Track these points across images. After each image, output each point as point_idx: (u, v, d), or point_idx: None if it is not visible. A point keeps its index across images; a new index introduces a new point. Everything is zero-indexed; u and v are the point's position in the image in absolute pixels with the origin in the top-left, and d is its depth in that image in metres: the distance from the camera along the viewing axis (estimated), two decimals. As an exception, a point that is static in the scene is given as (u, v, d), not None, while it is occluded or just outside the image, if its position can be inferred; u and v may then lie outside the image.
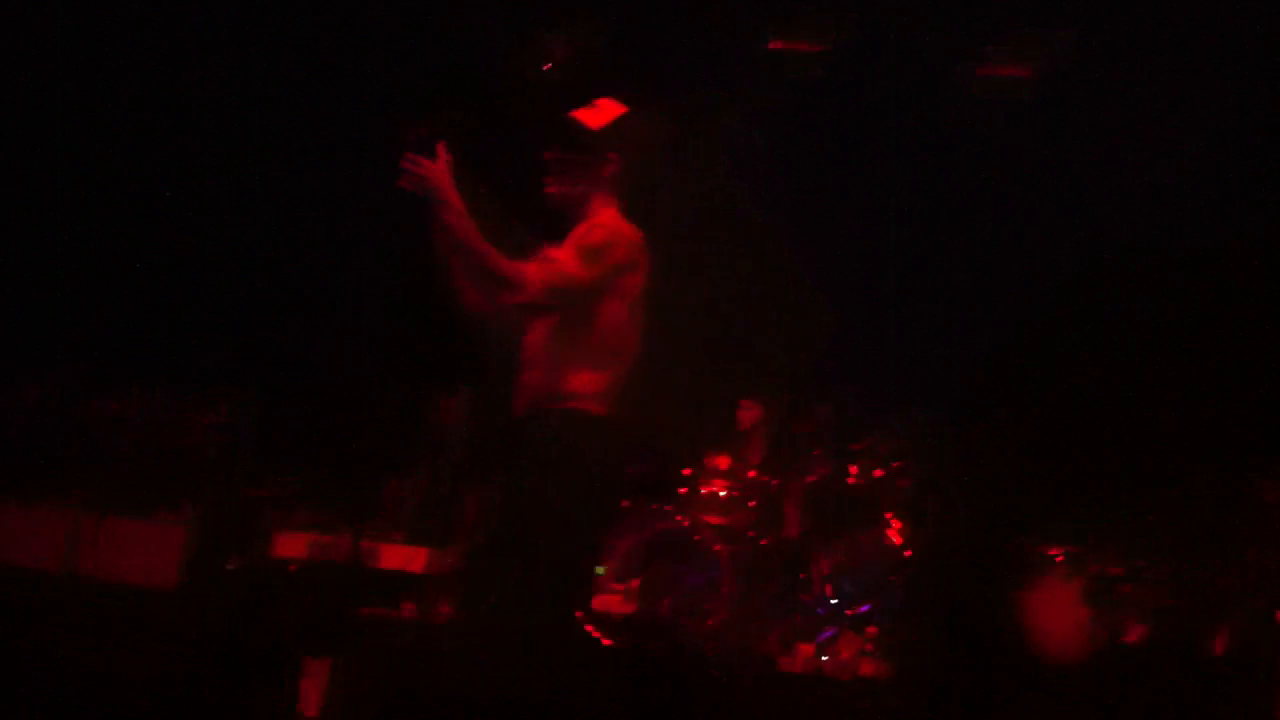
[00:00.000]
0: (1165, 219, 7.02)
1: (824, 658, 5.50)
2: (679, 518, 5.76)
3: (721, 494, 5.87)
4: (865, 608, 5.68)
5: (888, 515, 5.93)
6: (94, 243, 7.19)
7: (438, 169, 3.45)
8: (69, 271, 7.19)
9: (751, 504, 5.88)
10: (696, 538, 5.62)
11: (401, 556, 5.81)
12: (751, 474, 5.96)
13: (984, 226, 7.44)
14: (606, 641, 5.29)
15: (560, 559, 3.46)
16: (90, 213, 7.20)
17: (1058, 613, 5.93)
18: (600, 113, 3.63)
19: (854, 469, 6.01)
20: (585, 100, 3.65)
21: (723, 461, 5.93)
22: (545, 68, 6.67)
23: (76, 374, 6.54)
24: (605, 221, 3.62)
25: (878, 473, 5.97)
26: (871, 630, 5.62)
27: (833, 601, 5.68)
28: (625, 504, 5.60)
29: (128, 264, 7.25)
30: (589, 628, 5.25)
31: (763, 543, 5.79)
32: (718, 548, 5.61)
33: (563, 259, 3.51)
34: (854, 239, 7.52)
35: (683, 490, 5.97)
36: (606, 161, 3.64)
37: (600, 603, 5.42)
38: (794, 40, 7.22)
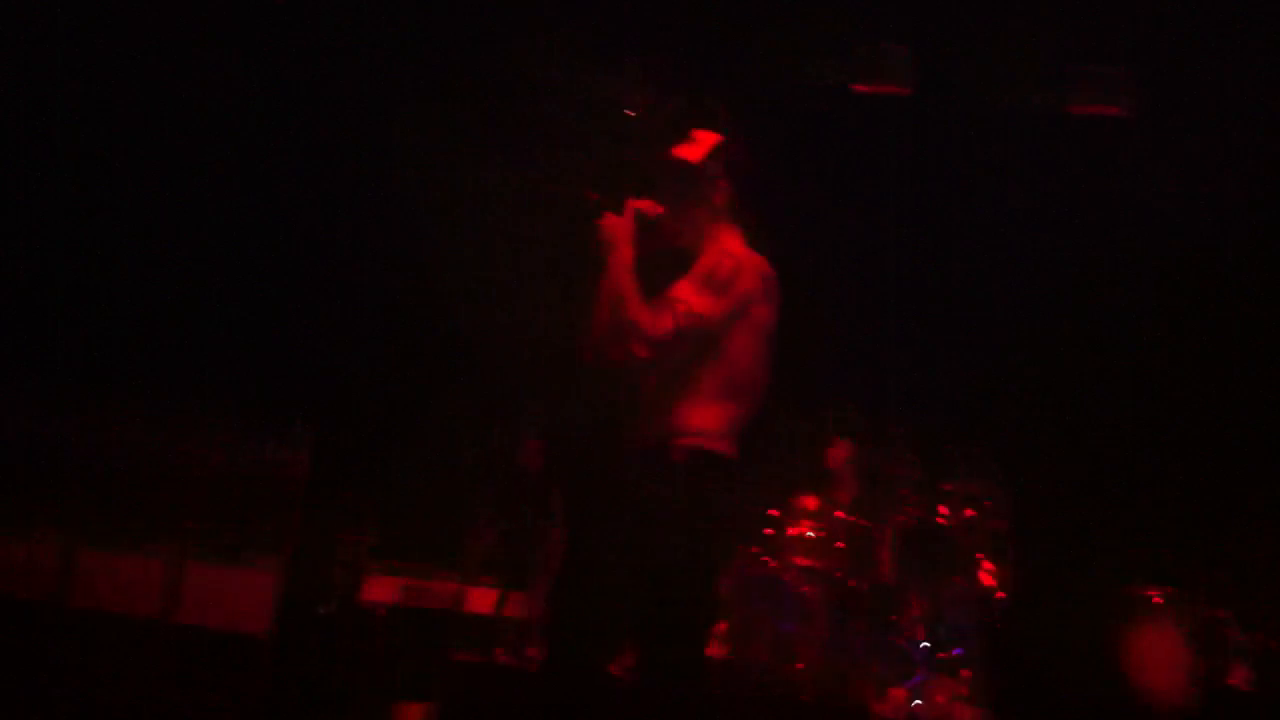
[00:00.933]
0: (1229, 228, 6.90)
1: (918, 702, 5.41)
2: (767, 559, 5.71)
3: (810, 535, 5.80)
4: (959, 651, 5.58)
5: (980, 556, 5.83)
6: (148, 280, 7.22)
7: (620, 224, 3.47)
8: (126, 310, 7.23)
9: (840, 545, 5.81)
10: (786, 579, 5.57)
11: (492, 600, 5.81)
12: (840, 515, 5.90)
13: (1073, 249, 7.34)
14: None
15: (686, 602, 3.37)
16: (154, 250, 7.25)
17: (1159, 656, 5.78)
18: (698, 144, 3.61)
19: (944, 509, 5.92)
20: (679, 137, 3.64)
21: (811, 502, 5.87)
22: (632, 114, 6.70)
23: (144, 416, 6.60)
24: (732, 250, 3.54)
25: (969, 513, 5.88)
26: (966, 674, 5.51)
27: (925, 645, 5.59)
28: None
29: (189, 299, 7.29)
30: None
31: (853, 585, 5.72)
32: (808, 590, 5.55)
33: (688, 297, 3.44)
34: (932, 270, 7.45)
35: (770, 531, 5.92)
36: (717, 190, 3.59)
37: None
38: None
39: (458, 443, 6.91)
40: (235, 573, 6.16)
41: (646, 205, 3.55)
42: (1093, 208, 7.30)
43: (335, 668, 5.82)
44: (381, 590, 6.01)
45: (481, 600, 5.87)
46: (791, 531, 5.79)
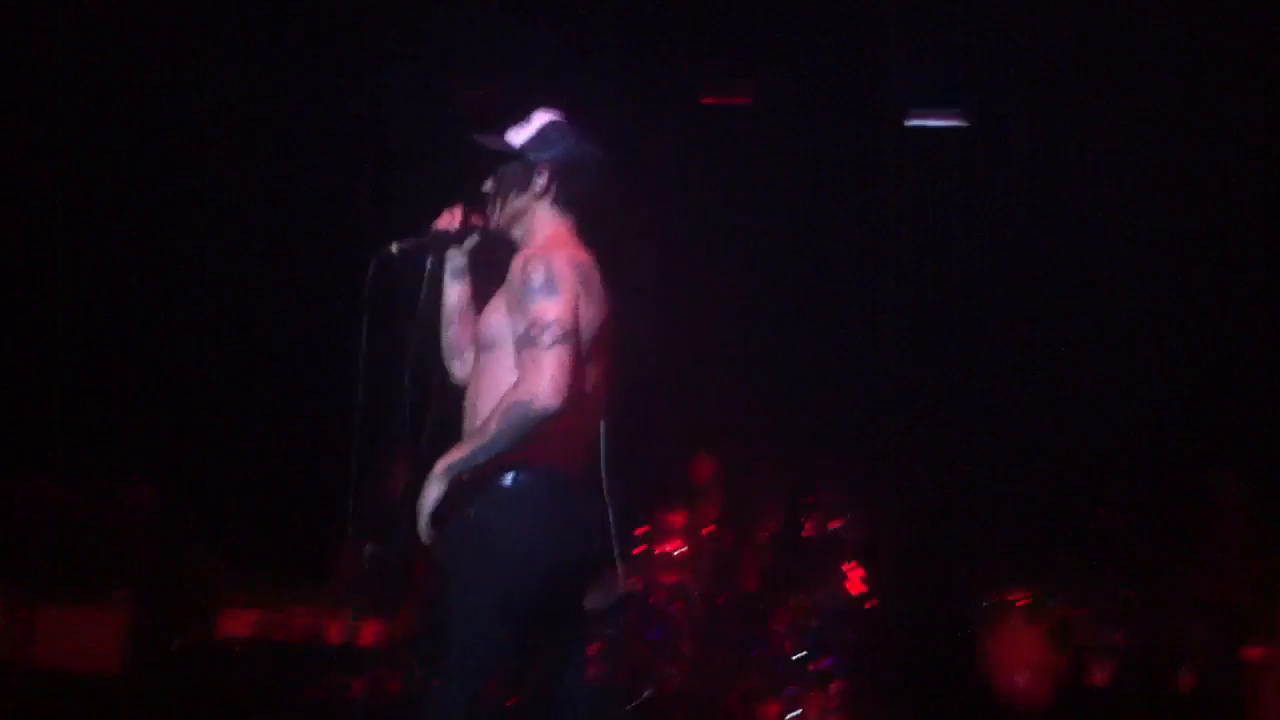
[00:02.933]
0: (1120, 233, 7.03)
1: (789, 715, 5.40)
2: (631, 580, 5.64)
3: (676, 552, 5.76)
4: (828, 662, 5.58)
5: (845, 566, 5.85)
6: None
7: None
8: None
9: (707, 560, 5.78)
10: (652, 600, 5.51)
11: (349, 630, 5.65)
12: (706, 530, 5.86)
13: (926, 263, 7.42)
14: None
15: (499, 636, 3.20)
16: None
17: (1022, 657, 5.86)
18: (528, 125, 3.40)
19: (808, 521, 5.92)
20: (519, 119, 3.43)
21: (677, 519, 5.82)
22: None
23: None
24: (541, 247, 3.28)
25: (833, 523, 5.90)
26: (835, 685, 5.52)
27: (794, 657, 5.58)
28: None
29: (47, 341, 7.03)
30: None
31: (720, 600, 5.69)
32: (675, 607, 5.51)
33: (533, 333, 3.14)
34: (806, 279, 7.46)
35: (638, 550, 5.86)
36: (537, 174, 3.34)
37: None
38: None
39: (317, 469, 6.71)
40: (82, 612, 5.90)
41: (453, 219, 3.32)
42: (935, 222, 7.38)
43: (189, 706, 5.61)
44: (235, 623, 5.80)
45: (338, 630, 5.70)
46: (659, 549, 5.74)
